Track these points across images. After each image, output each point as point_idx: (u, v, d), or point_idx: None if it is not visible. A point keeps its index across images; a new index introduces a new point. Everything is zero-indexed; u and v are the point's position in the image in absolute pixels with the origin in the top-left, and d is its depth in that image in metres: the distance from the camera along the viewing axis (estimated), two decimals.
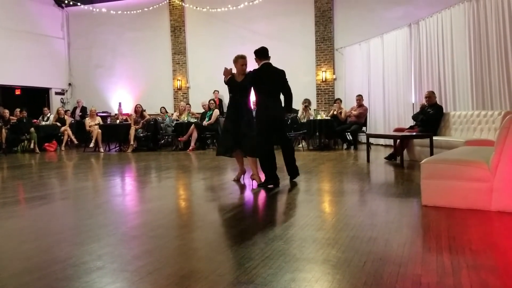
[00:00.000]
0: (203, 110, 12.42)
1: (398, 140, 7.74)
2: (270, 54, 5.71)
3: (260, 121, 5.68)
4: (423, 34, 9.64)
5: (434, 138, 7.24)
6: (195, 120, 12.12)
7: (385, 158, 8.10)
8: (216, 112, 11.98)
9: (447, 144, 6.96)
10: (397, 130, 8.62)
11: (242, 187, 5.71)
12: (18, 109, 12.95)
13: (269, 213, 4.41)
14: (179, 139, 11.85)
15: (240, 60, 5.73)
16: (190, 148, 11.37)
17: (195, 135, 11.53)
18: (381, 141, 11.13)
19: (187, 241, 3.39)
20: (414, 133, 7.74)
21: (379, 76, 11.35)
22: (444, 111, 8.20)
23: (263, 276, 2.53)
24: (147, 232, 3.65)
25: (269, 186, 5.52)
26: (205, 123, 11.80)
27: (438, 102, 8.29)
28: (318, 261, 2.78)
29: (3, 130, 11.84)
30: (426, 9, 10.51)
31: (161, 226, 3.84)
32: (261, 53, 5.66)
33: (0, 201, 5.26)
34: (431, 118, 7.95)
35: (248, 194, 5.42)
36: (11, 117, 12.67)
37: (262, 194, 5.23)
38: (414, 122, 8.38)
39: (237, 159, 6.06)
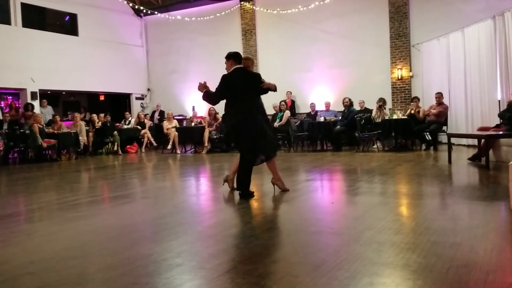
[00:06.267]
0: (274, 112, 12.47)
1: (483, 140, 7.29)
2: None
3: None
4: (509, 26, 8.96)
5: None
6: None
7: (469, 159, 7.63)
8: (287, 113, 11.98)
9: None
10: (481, 129, 8.14)
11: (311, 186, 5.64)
12: (102, 114, 13.85)
13: (344, 216, 4.32)
14: None
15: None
16: None
17: None
18: (464, 141, 10.53)
19: (262, 241, 3.40)
20: (501, 132, 7.25)
21: (460, 72, 10.73)
22: None
23: (340, 279, 2.48)
24: (222, 231, 3.72)
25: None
26: (276, 124, 11.83)
27: None
28: (397, 265, 2.67)
29: (90, 134, 12.74)
30: (510, 0, 9.75)
31: (235, 226, 3.90)
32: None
33: (87, 199, 5.65)
34: None
35: (319, 196, 5.35)
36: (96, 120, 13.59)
37: (339, 198, 5.14)
38: (501, 120, 7.85)
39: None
